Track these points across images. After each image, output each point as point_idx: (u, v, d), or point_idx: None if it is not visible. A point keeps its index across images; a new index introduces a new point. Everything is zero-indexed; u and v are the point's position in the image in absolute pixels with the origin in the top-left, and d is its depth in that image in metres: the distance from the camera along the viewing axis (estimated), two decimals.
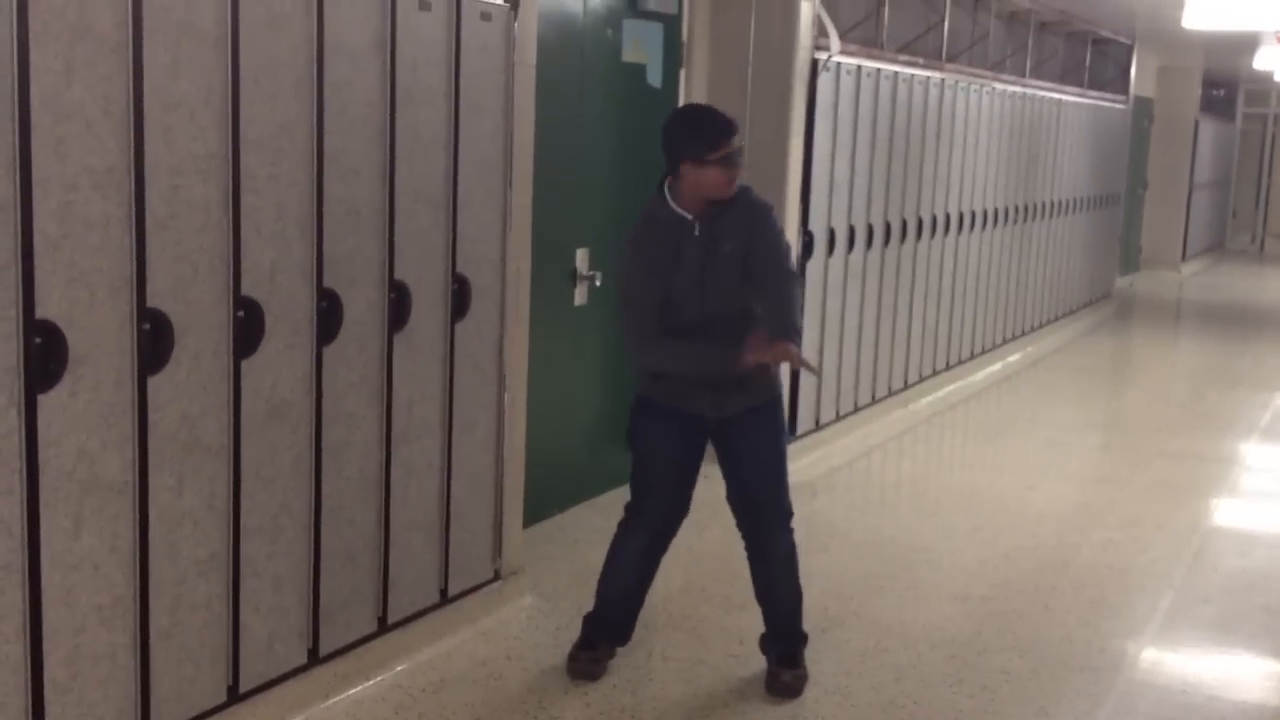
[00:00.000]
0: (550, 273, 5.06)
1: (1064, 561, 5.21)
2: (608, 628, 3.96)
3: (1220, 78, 17.83)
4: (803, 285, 3.86)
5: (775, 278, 3.70)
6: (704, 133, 3.62)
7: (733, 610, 4.39)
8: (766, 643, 3.96)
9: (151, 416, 3.02)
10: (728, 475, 3.85)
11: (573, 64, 5.14)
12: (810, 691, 3.87)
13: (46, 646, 2.85)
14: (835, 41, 6.27)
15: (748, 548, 3.92)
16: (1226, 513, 6.19)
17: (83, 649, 2.93)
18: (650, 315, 3.68)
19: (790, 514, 3.89)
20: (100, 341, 2.88)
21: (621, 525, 3.94)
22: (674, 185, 3.68)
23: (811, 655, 3.97)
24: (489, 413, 4.27)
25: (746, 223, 3.69)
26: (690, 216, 3.67)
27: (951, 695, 3.91)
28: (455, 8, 3.88)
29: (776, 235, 3.76)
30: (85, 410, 2.87)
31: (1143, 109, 14.51)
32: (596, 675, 3.90)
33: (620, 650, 4.02)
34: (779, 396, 3.89)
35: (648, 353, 3.73)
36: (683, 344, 3.69)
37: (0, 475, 2.70)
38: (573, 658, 3.92)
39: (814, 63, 6.21)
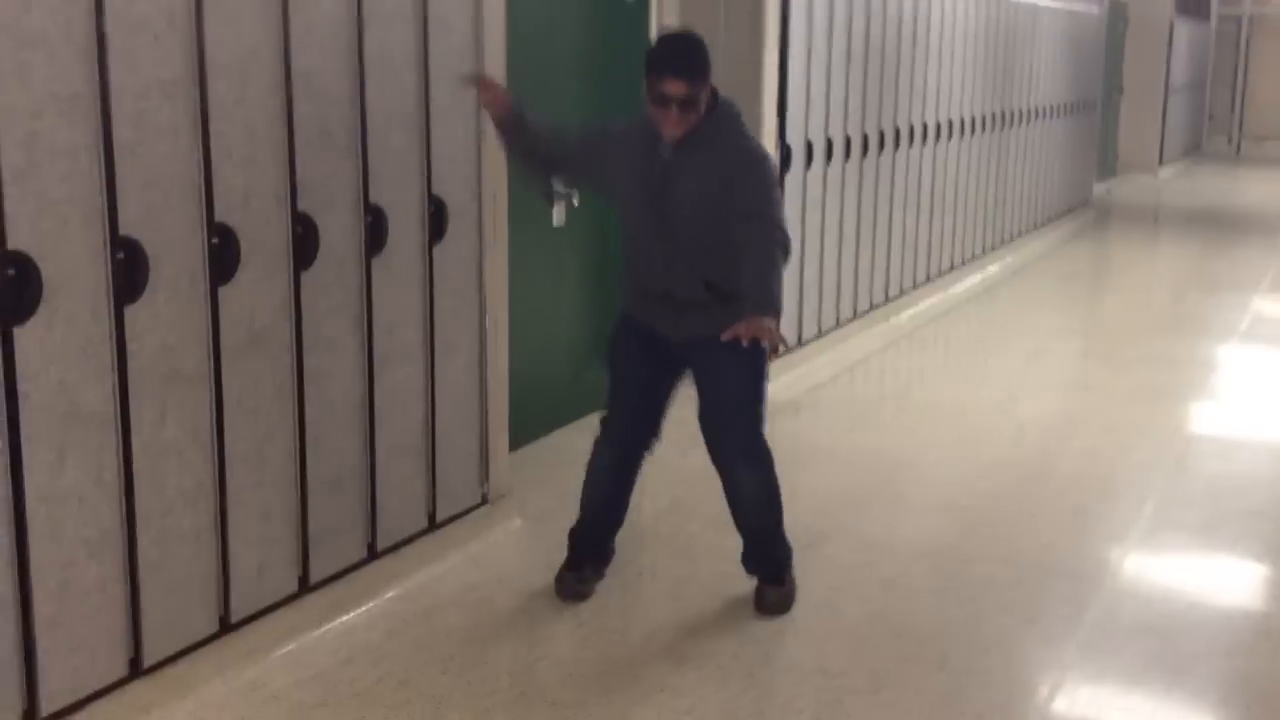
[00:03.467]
0: (527, 193, 5.00)
1: (1047, 470, 5.24)
2: (586, 542, 3.97)
3: None
4: (787, 250, 3.47)
5: (756, 233, 3.42)
6: (650, 59, 3.51)
7: (720, 528, 4.39)
8: (746, 562, 3.95)
9: (130, 346, 2.99)
10: (698, 399, 3.79)
11: None
12: (798, 607, 3.89)
13: (34, 581, 2.83)
14: None
15: (721, 480, 3.86)
16: (1208, 417, 6.22)
17: (71, 583, 2.92)
18: (558, 130, 3.80)
19: (757, 450, 3.77)
20: (75, 271, 2.84)
21: (595, 439, 3.93)
22: None
23: (799, 570, 3.98)
24: (471, 336, 4.23)
25: (728, 167, 3.50)
26: (665, 135, 3.53)
27: (938, 605, 3.94)
28: None
29: (762, 185, 3.51)
30: (63, 342, 2.83)
31: (1117, 12, 14.39)
32: (584, 595, 3.91)
33: (609, 570, 4.03)
34: None
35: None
36: (523, 137, 3.75)
37: None
38: (560, 579, 3.93)
39: None
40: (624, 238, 3.74)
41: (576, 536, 3.99)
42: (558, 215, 5.28)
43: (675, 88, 3.43)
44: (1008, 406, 6.17)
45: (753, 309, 3.29)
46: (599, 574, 4.00)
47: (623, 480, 3.93)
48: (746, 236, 3.43)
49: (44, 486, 2.82)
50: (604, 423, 3.91)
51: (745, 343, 3.28)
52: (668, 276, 3.63)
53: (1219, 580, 4.28)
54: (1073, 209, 12.13)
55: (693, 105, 3.47)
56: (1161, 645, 3.75)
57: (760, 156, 3.59)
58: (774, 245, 3.43)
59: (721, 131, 3.54)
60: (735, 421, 3.75)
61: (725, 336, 3.29)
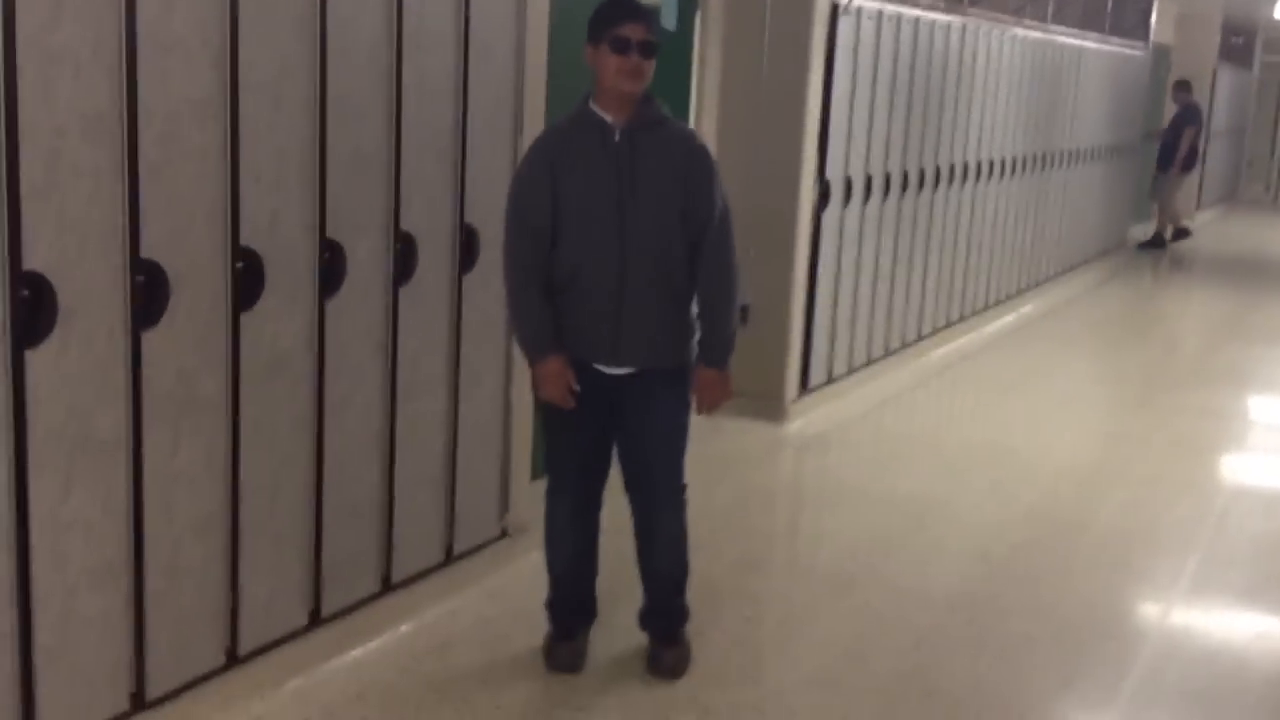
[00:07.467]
0: None
1: (1085, 521, 5.09)
2: (566, 605, 3.65)
3: (1239, 25, 17.53)
4: (736, 287, 3.48)
5: (716, 245, 3.35)
6: (601, 13, 3.31)
7: (746, 571, 4.29)
8: (645, 619, 3.69)
9: (146, 372, 2.90)
10: (619, 442, 3.51)
11: (584, 6, 4.95)
12: (826, 655, 3.77)
13: (36, 611, 2.74)
14: None
15: (635, 524, 3.58)
16: (1250, 472, 6.07)
17: (74, 613, 2.82)
18: (528, 238, 3.34)
19: (680, 492, 3.55)
20: (92, 294, 2.75)
21: (547, 493, 3.59)
22: (596, 86, 3.34)
23: (829, 616, 3.87)
24: (496, 367, 4.14)
25: (682, 154, 3.33)
26: (610, 120, 3.30)
27: (972, 663, 3.80)
28: None
29: (716, 187, 3.37)
30: (76, 366, 2.74)
31: (1161, 57, 14.24)
32: (578, 667, 3.62)
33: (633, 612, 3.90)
34: (689, 365, 3.46)
35: (508, 278, 3.41)
36: (530, 297, 3.34)
37: None
38: (550, 652, 3.62)
39: (834, 6, 6.02)
40: (565, 263, 3.35)
41: (556, 606, 3.65)
42: None
43: (636, 31, 3.27)
44: (1043, 452, 6.03)
45: (709, 362, 3.44)
46: (587, 638, 3.70)
47: (588, 529, 3.63)
48: (709, 247, 3.36)
49: (49, 514, 2.73)
50: (548, 469, 3.61)
51: (708, 412, 3.48)
52: (621, 280, 3.32)
53: (1266, 643, 4.13)
54: (1109, 251, 11.98)
55: (652, 53, 3.29)
56: (1208, 712, 3.60)
57: (706, 149, 3.45)
58: (733, 263, 3.42)
59: (666, 119, 3.38)
60: (663, 462, 3.51)
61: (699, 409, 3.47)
